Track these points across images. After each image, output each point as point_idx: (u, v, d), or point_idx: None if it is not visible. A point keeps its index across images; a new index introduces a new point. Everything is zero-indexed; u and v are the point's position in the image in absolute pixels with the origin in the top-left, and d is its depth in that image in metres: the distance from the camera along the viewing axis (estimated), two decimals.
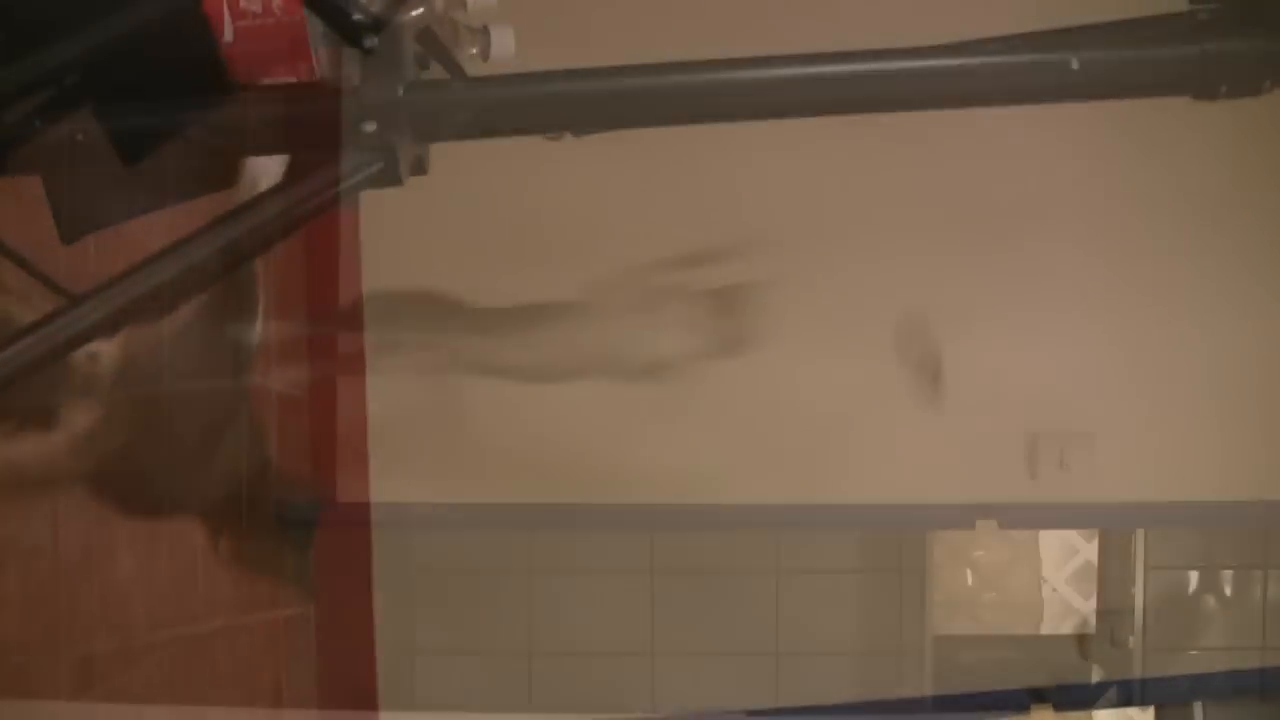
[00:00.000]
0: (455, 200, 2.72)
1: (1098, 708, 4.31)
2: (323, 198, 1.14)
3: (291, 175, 1.15)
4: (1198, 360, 2.75)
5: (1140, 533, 4.06)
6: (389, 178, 1.18)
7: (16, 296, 1.75)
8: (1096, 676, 4.43)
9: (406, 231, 2.70)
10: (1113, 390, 2.75)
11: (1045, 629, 5.61)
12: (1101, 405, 2.75)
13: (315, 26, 1.21)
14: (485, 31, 1.50)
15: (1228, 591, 4.15)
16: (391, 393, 2.73)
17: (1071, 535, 5.79)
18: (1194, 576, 4.16)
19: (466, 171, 2.85)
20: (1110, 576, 4.35)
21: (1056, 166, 2.70)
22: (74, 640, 1.81)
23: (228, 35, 1.20)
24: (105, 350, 1.89)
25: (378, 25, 1.14)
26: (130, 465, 2.06)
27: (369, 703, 2.73)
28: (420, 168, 1.27)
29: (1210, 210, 2.73)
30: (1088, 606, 4.91)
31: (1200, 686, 3.21)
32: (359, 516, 2.77)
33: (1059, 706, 2.78)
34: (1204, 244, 2.74)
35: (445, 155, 2.79)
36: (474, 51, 1.50)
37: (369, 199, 2.78)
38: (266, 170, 1.28)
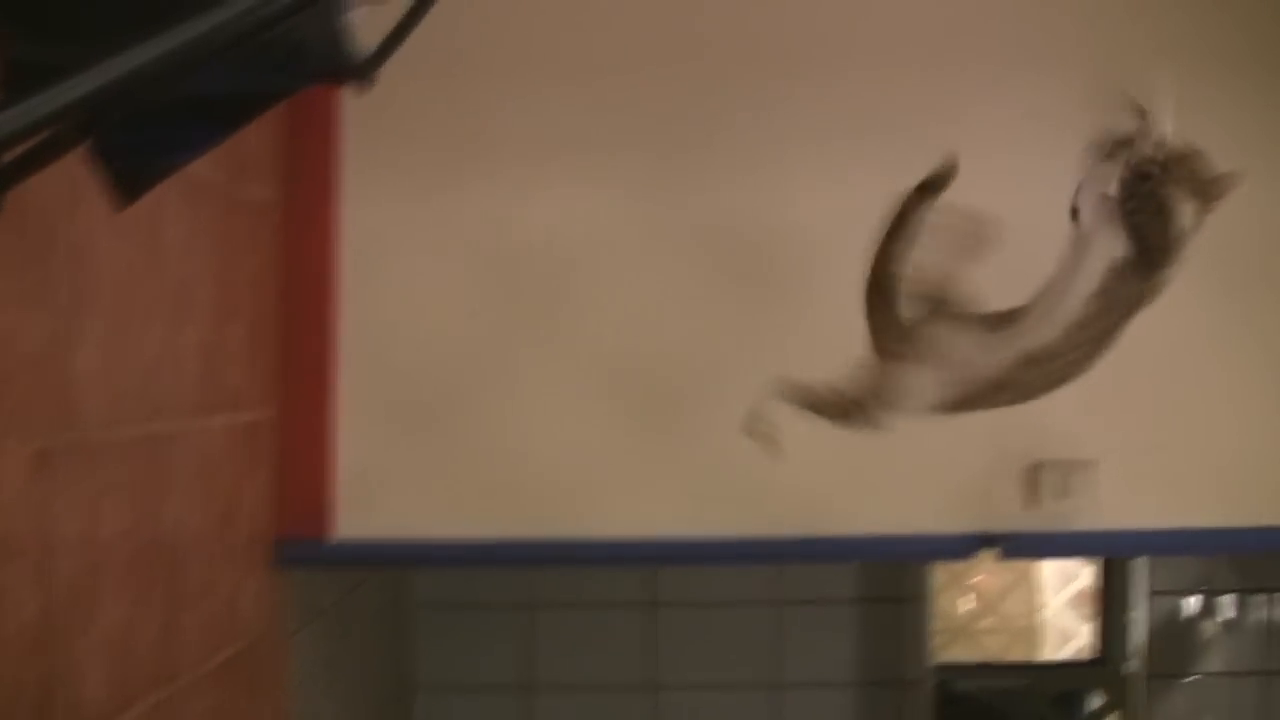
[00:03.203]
0: (437, 229, 2.72)
1: None
2: None
3: None
4: (1198, 388, 2.74)
5: (1141, 558, 4.05)
6: None
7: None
8: (1097, 702, 4.42)
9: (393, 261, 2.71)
10: (1113, 418, 2.73)
11: (1044, 654, 5.60)
12: (1103, 433, 2.73)
13: None
14: None
15: (1228, 615, 4.15)
16: (392, 429, 2.72)
17: (1071, 560, 5.78)
18: (1194, 601, 4.15)
19: (454, 185, 2.85)
20: (1111, 602, 4.34)
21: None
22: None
23: None
24: None
25: None
26: None
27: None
28: None
29: (1204, 244, 2.72)
30: (1087, 631, 4.89)
31: None
32: (360, 552, 2.75)
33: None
34: (1200, 273, 2.73)
35: (424, 188, 2.79)
36: None
37: (351, 234, 2.78)
38: None
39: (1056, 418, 2.72)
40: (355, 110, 2.68)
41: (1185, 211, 1.55)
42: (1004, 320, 1.60)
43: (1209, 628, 4.17)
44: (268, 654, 2.65)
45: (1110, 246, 1.56)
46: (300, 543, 2.69)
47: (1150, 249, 1.56)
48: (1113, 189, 1.56)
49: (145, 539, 2.12)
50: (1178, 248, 1.58)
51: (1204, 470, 2.76)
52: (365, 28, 1.45)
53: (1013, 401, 1.63)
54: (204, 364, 2.33)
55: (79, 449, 1.89)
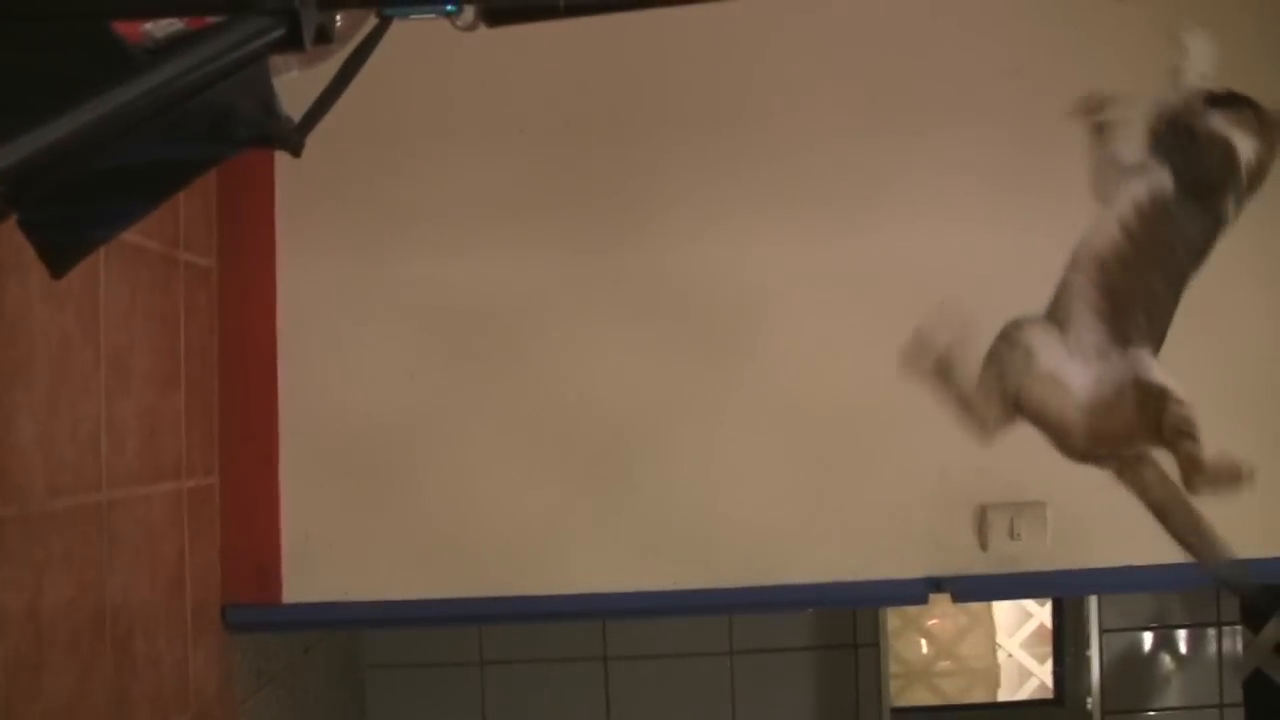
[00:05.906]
0: (379, 291, 2.73)
1: None
2: (221, 63, 1.06)
3: (188, 41, 1.07)
4: None
5: (1094, 596, 4.07)
6: (291, 43, 1.10)
7: None
8: None
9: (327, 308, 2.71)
10: (1058, 458, 2.74)
11: (1002, 695, 5.61)
12: (1048, 474, 2.74)
13: None
14: None
15: (1182, 650, 4.17)
16: (336, 492, 2.70)
17: (1025, 600, 5.79)
18: (1148, 637, 4.17)
19: (391, 248, 2.84)
20: (1066, 640, 4.36)
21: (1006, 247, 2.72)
22: None
23: None
24: None
25: None
26: None
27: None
28: (324, 35, 1.19)
29: None
30: (1044, 670, 4.91)
31: None
32: (309, 615, 2.73)
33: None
34: None
35: (374, 251, 2.78)
36: None
37: (289, 288, 2.77)
38: None
39: (1002, 460, 2.73)
40: (290, 175, 2.68)
41: (1245, 148, 1.56)
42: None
43: (1163, 664, 4.19)
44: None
45: (1155, 176, 1.57)
46: (248, 608, 2.67)
47: (1197, 182, 1.57)
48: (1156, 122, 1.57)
49: (91, 609, 2.10)
50: (1231, 183, 1.58)
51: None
52: (294, 93, 1.46)
53: (1152, 314, 1.62)
54: (145, 432, 2.31)
55: (20, 521, 1.88)
